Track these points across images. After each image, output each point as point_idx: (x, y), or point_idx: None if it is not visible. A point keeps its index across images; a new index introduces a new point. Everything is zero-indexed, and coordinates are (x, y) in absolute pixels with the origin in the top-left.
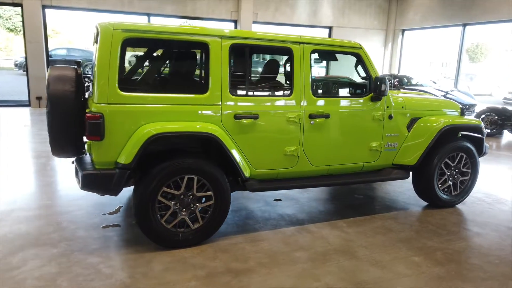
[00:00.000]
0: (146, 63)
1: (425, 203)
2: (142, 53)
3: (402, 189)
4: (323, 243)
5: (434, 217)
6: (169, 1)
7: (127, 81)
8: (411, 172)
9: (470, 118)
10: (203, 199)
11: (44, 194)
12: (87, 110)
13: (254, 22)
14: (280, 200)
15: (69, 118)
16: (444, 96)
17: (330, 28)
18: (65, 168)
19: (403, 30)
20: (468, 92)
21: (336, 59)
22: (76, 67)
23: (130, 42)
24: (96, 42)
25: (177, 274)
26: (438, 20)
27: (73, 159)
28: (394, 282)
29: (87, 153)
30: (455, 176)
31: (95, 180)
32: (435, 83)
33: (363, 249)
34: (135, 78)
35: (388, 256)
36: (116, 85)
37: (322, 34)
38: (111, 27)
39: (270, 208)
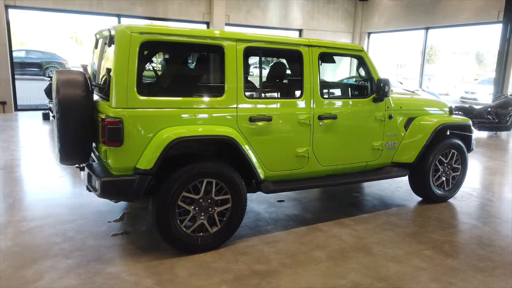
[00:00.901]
0: (163, 66)
1: (419, 199)
2: (159, 57)
3: (394, 186)
4: (337, 241)
5: (432, 211)
6: (139, 2)
7: (144, 85)
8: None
9: (460, 117)
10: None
11: (37, 203)
12: (101, 115)
13: (227, 24)
14: (283, 201)
15: (80, 123)
16: None
17: (300, 31)
18: (50, 176)
19: (369, 33)
20: (433, 92)
21: (334, 62)
22: (83, 71)
23: (147, 45)
24: (109, 45)
25: (204, 278)
26: (402, 24)
27: (76, 165)
28: (415, 276)
29: (95, 159)
30: (448, 172)
31: (115, 187)
32: (401, 83)
33: (376, 245)
34: (152, 81)
35: (401, 251)
36: (135, 89)
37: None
38: (128, 31)
39: (276, 209)
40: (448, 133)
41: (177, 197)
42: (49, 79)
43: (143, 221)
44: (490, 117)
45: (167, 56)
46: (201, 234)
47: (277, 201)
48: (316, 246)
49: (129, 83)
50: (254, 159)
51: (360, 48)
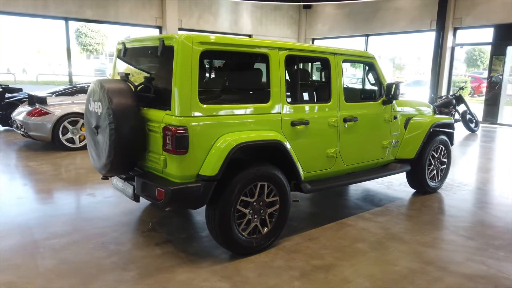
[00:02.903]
0: (218, 74)
1: (412, 191)
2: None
3: (386, 182)
4: (370, 234)
5: (431, 201)
6: (89, 4)
7: (204, 93)
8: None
9: (444, 116)
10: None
11: (53, 219)
12: (160, 124)
13: (180, 29)
14: (298, 200)
15: (134, 133)
16: None
17: (250, 36)
18: (45, 191)
19: (313, 39)
20: None
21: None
22: (125, 79)
23: (205, 54)
24: (161, 55)
25: (273, 277)
26: (344, 31)
27: (102, 177)
28: (452, 257)
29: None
30: (437, 165)
31: (184, 195)
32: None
33: (404, 234)
34: (209, 89)
35: (427, 237)
36: (197, 98)
37: None
38: (189, 42)
39: (296, 208)
40: (431, 130)
41: (236, 201)
42: None
43: (178, 229)
44: None
45: (221, 65)
46: (255, 236)
47: (293, 201)
48: (355, 239)
49: (192, 92)
50: (296, 161)
51: (372, 55)
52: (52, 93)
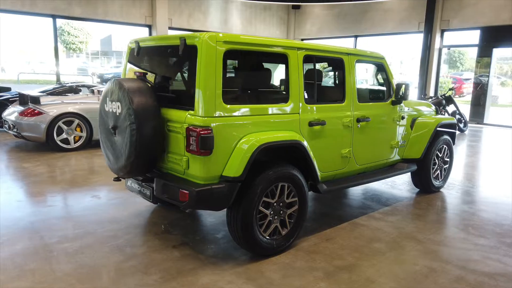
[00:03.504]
0: (241, 74)
1: (416, 190)
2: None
3: (389, 182)
4: (383, 233)
5: (436, 200)
6: (77, 1)
7: (227, 93)
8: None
9: (447, 116)
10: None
11: (61, 221)
12: (183, 125)
13: (170, 28)
14: None
15: (156, 133)
16: None
17: None
18: (43, 191)
19: (302, 39)
20: None
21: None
22: (143, 78)
23: (228, 54)
24: (182, 54)
25: (298, 279)
26: (333, 32)
27: (115, 178)
28: (468, 255)
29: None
30: (441, 165)
31: (208, 196)
32: None
33: (417, 233)
34: (232, 89)
35: (440, 236)
36: (221, 98)
37: None
38: (213, 41)
39: None
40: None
41: (259, 202)
42: None
43: (192, 231)
44: None
45: (243, 64)
46: (275, 237)
47: None
48: (370, 239)
49: (216, 92)
50: (314, 162)
51: (382, 56)
52: (43, 92)
